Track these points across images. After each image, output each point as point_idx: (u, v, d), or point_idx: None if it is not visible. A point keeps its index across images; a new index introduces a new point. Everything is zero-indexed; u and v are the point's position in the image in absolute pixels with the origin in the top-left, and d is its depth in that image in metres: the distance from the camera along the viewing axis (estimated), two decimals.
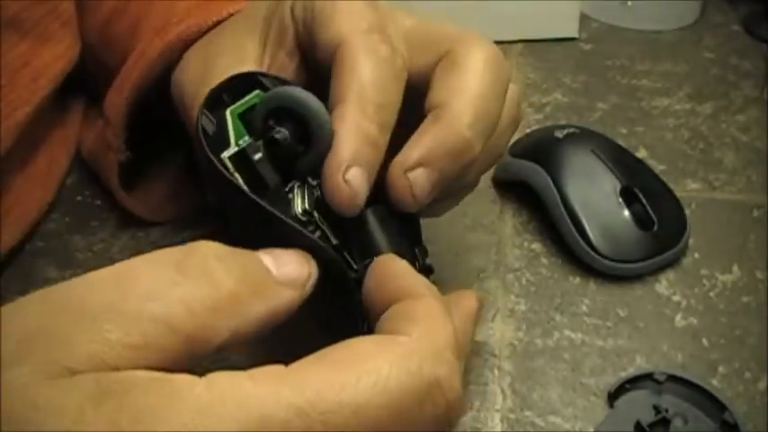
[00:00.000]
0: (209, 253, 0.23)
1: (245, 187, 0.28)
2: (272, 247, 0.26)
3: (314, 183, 0.29)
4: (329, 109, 0.30)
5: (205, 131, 0.29)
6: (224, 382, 0.20)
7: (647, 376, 0.37)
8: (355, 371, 0.21)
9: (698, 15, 0.69)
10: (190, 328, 0.21)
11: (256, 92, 0.31)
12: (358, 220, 0.29)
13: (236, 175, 0.28)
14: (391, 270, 0.27)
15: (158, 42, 0.39)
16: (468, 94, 0.30)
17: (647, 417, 0.35)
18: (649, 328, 0.40)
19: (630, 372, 0.37)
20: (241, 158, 0.29)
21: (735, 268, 0.43)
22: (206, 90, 0.30)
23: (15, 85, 0.42)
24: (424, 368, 0.22)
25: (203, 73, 0.35)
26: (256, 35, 0.35)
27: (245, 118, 0.30)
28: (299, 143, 0.29)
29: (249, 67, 0.34)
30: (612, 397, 0.36)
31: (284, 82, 0.32)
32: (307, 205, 0.29)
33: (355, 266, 0.29)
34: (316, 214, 0.29)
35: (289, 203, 0.29)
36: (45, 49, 0.44)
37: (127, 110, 0.41)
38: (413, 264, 0.28)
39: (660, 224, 0.44)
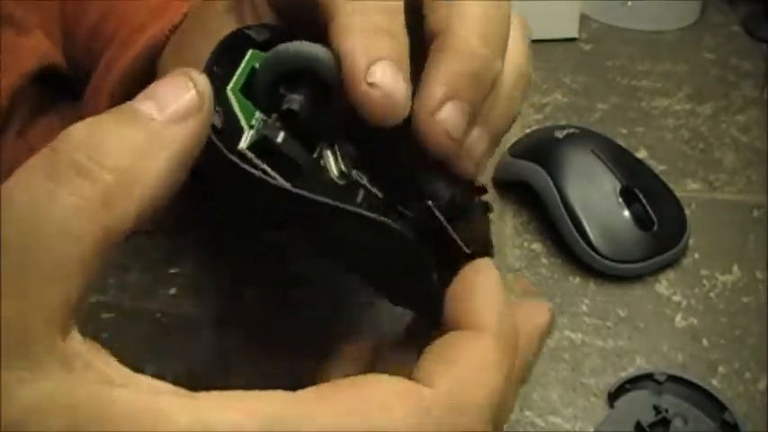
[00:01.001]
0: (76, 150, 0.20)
1: (287, 184, 0.24)
2: (329, 242, 0.25)
3: (340, 140, 0.26)
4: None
5: (214, 128, 0.25)
6: (212, 410, 0.19)
7: (647, 376, 0.37)
8: (367, 421, 0.20)
9: (698, 15, 0.69)
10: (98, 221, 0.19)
11: (250, 52, 0.27)
12: (401, 162, 0.27)
13: (264, 166, 0.24)
14: (472, 285, 0.25)
15: (124, 53, 0.36)
16: (469, 14, 0.27)
17: (648, 417, 0.35)
18: (649, 329, 0.40)
19: (630, 372, 0.37)
20: (262, 144, 0.25)
21: (735, 268, 0.43)
22: None
23: None
24: (444, 426, 0.20)
25: (178, 61, 0.32)
26: (231, 15, 0.31)
27: (247, 89, 0.26)
28: (316, 104, 0.26)
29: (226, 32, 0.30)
30: (612, 397, 0.36)
31: (272, 29, 0.29)
32: (343, 167, 0.26)
33: (410, 213, 0.27)
34: (354, 173, 0.26)
35: (322, 172, 0.26)
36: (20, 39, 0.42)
37: None
38: (454, 202, 0.27)
39: (660, 224, 0.44)
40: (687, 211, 0.46)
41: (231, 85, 0.26)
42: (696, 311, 0.41)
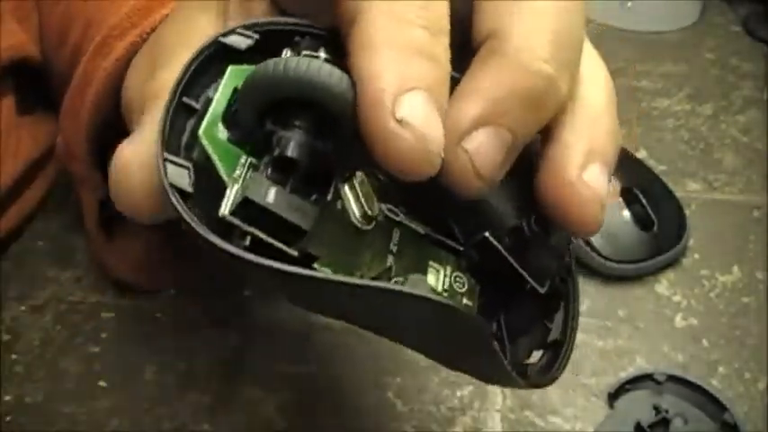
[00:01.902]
0: None
1: (277, 265, 0.18)
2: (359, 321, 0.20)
3: (359, 173, 0.21)
4: None
5: (178, 190, 0.19)
6: None
7: (647, 377, 0.37)
8: None
9: (698, 16, 0.69)
10: None
11: (230, 69, 0.21)
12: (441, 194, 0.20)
13: (252, 229, 0.19)
14: None
15: (104, 60, 0.32)
16: (536, 11, 0.20)
17: (648, 417, 0.35)
18: (649, 329, 0.40)
19: (630, 372, 0.37)
20: (247, 207, 0.19)
21: (735, 269, 0.43)
22: (140, 102, 0.23)
23: None
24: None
25: (147, 73, 0.27)
26: (211, 11, 0.25)
27: (230, 119, 0.20)
28: (321, 137, 0.20)
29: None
30: (612, 397, 0.36)
31: (261, 27, 0.22)
32: (366, 205, 0.21)
33: (461, 248, 0.22)
34: (383, 208, 0.21)
35: (339, 222, 0.20)
36: None
37: (87, 142, 0.33)
38: (520, 229, 0.22)
39: (660, 224, 0.44)
40: (687, 212, 0.46)
41: (204, 124, 0.20)
42: (696, 311, 0.41)
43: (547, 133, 0.21)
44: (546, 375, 0.22)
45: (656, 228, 0.43)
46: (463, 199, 0.20)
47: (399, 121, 0.18)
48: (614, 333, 0.40)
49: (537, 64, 0.20)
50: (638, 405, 0.36)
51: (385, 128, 0.18)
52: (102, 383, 0.36)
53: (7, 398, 0.36)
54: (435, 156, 0.19)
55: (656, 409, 0.35)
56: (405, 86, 0.18)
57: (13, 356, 0.37)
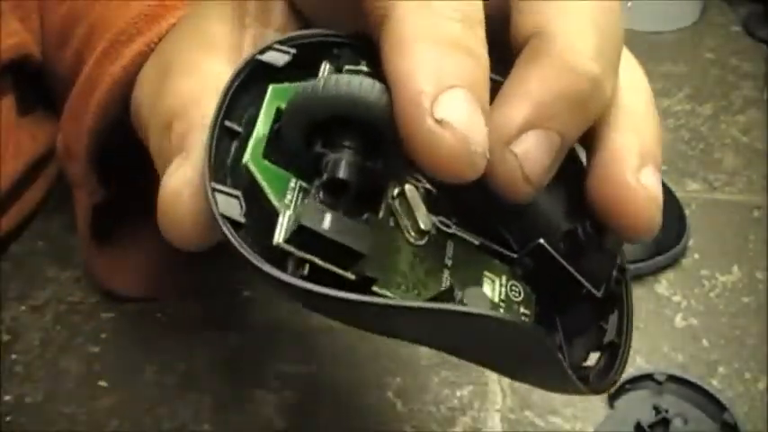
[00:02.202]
0: None
1: (343, 295, 0.17)
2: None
3: (418, 187, 0.21)
4: None
5: (231, 221, 0.19)
6: None
7: (647, 376, 0.37)
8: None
9: (698, 16, 0.69)
10: None
11: (270, 89, 0.21)
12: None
13: (310, 256, 0.18)
14: None
15: (110, 66, 0.31)
16: (580, 10, 0.20)
17: (648, 417, 0.35)
18: (649, 329, 0.40)
19: (630, 372, 0.37)
20: (303, 234, 0.18)
21: (735, 269, 0.43)
22: (156, 110, 0.23)
23: None
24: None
25: (157, 80, 0.26)
26: (226, 15, 0.25)
27: (275, 142, 0.20)
28: (368, 156, 0.19)
29: (219, 58, 0.24)
30: (612, 397, 0.36)
31: (298, 40, 0.21)
32: (420, 220, 0.20)
33: (515, 256, 0.22)
34: (436, 221, 0.21)
35: (394, 241, 0.20)
36: None
37: (89, 145, 0.33)
38: (574, 234, 0.21)
39: (660, 224, 0.43)
40: (687, 211, 0.46)
41: (250, 149, 0.20)
42: (696, 311, 0.41)
43: (594, 139, 0.21)
44: (605, 379, 0.22)
45: None
46: (511, 204, 0.20)
47: (439, 122, 0.17)
48: None
49: (584, 65, 0.19)
50: (638, 405, 0.36)
51: (423, 130, 0.17)
52: (102, 383, 0.36)
53: (7, 398, 0.36)
54: (479, 157, 0.18)
55: (656, 409, 0.35)
56: (443, 84, 0.18)
57: (13, 356, 0.37)
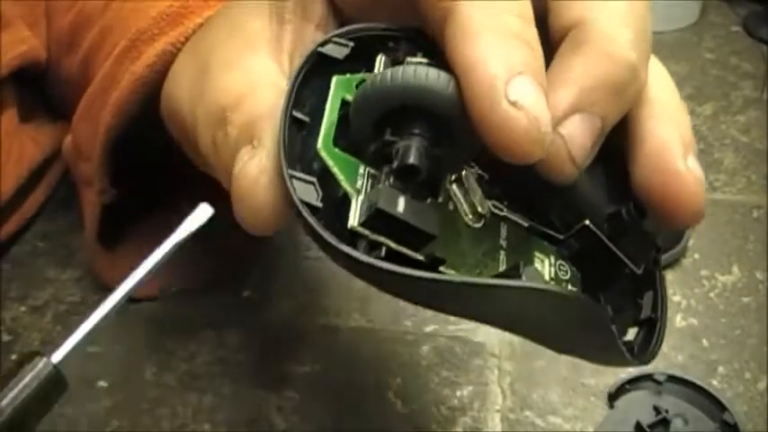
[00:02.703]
0: None
1: (419, 273, 0.18)
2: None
3: (471, 173, 0.22)
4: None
5: (309, 205, 0.20)
6: None
7: (647, 376, 0.37)
8: None
9: (698, 16, 0.69)
10: None
11: (335, 80, 0.22)
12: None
13: (383, 239, 0.19)
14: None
15: (131, 65, 0.32)
16: (617, 3, 0.22)
17: (647, 417, 0.35)
18: None
19: (630, 372, 0.37)
20: (378, 217, 0.19)
21: (735, 269, 0.43)
22: (204, 105, 0.24)
23: None
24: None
25: (197, 78, 0.27)
26: (264, 11, 0.26)
27: (342, 130, 0.21)
28: (438, 143, 0.20)
29: (260, 53, 0.25)
30: (612, 397, 0.36)
31: (354, 33, 0.22)
32: (477, 203, 0.22)
33: (561, 237, 0.23)
34: (490, 204, 0.22)
35: (456, 224, 0.21)
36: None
37: (105, 144, 0.33)
38: (618, 216, 0.22)
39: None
40: None
41: (321, 138, 0.21)
42: (696, 311, 0.41)
43: (636, 131, 0.23)
44: (646, 352, 0.23)
45: None
46: (557, 184, 0.21)
47: (513, 104, 0.19)
48: None
49: (622, 53, 0.21)
50: (638, 405, 0.36)
51: (500, 111, 0.19)
52: (102, 383, 0.36)
53: None
54: (547, 136, 0.19)
55: (656, 409, 0.35)
56: (513, 70, 0.19)
57: (13, 356, 0.37)
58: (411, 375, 0.37)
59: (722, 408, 0.35)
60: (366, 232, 0.19)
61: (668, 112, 0.23)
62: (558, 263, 0.23)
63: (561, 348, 0.25)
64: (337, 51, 0.22)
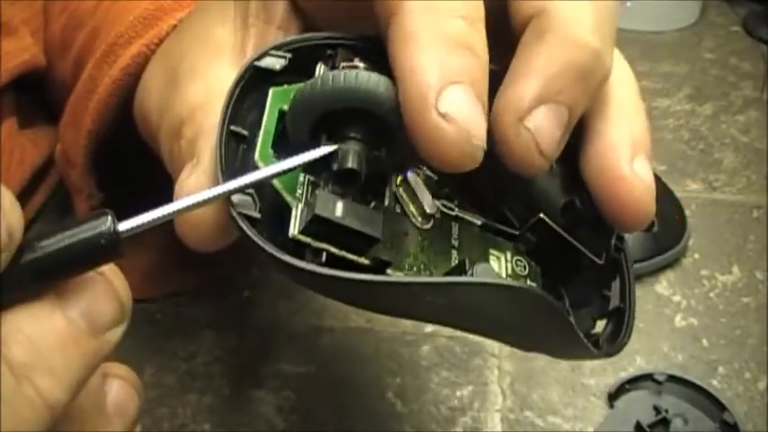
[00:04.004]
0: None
1: (362, 277, 0.18)
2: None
3: (419, 174, 0.22)
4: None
5: (248, 217, 0.19)
6: None
7: (647, 376, 0.37)
8: None
9: (698, 16, 0.69)
10: None
11: (271, 92, 0.22)
12: (495, 174, 0.21)
13: (324, 245, 0.19)
14: None
15: (107, 71, 0.31)
16: None
17: (647, 417, 0.35)
18: (649, 329, 0.40)
19: (630, 372, 0.37)
20: (317, 223, 0.19)
21: (735, 269, 0.43)
22: (168, 114, 0.24)
23: None
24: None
25: (165, 86, 0.27)
26: (228, 16, 0.25)
27: (281, 142, 0.21)
28: (373, 146, 0.20)
29: (223, 61, 0.24)
30: (612, 397, 0.36)
31: (292, 45, 0.22)
32: (428, 209, 0.21)
33: (517, 233, 0.23)
34: (439, 204, 0.22)
35: (402, 224, 0.21)
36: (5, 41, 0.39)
37: (86, 148, 0.33)
38: (572, 206, 0.22)
39: (660, 224, 0.43)
40: (687, 212, 0.46)
41: (258, 149, 0.21)
42: (696, 311, 0.41)
43: (587, 130, 0.22)
44: (614, 343, 0.23)
45: (655, 228, 0.43)
46: (525, 177, 0.21)
47: (443, 116, 0.18)
48: None
49: (585, 38, 0.20)
50: (638, 405, 0.36)
51: (429, 122, 0.18)
52: None
53: None
54: (478, 149, 0.19)
55: (656, 409, 0.35)
56: (447, 80, 0.19)
57: None
58: (411, 375, 0.37)
59: (722, 408, 0.35)
60: (308, 240, 0.19)
61: (622, 111, 0.22)
62: (515, 259, 0.23)
63: (525, 345, 0.24)
64: (274, 63, 0.22)
